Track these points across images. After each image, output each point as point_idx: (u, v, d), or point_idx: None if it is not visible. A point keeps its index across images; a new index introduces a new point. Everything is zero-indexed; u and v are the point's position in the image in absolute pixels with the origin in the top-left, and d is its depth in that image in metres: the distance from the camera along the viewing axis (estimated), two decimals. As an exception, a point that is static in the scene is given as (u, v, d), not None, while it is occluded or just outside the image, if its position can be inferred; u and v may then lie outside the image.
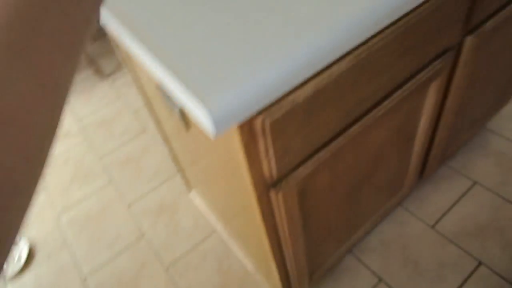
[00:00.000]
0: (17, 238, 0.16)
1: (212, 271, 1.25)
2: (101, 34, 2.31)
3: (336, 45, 0.50)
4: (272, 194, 0.63)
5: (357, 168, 0.81)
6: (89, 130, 1.83)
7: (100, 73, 2.07)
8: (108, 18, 0.61)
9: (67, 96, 0.18)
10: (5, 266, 0.15)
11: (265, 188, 0.62)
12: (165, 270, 1.28)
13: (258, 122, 0.50)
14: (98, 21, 0.21)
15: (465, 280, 1.09)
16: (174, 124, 0.89)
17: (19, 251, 1.40)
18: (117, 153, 1.70)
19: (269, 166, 0.57)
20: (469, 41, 0.81)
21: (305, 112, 0.55)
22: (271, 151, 0.55)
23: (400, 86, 0.74)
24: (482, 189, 1.28)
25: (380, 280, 1.13)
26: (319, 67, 0.50)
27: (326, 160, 0.68)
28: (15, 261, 1.38)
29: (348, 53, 0.56)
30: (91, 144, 1.76)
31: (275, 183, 0.62)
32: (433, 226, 1.22)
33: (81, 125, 1.86)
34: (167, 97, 0.68)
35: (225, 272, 1.23)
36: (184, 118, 0.72)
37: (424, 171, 1.18)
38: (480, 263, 1.11)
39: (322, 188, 0.74)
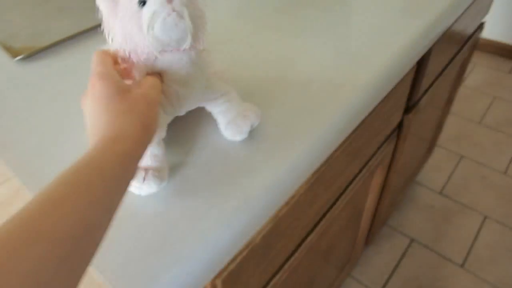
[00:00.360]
0: None
1: None
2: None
3: (300, 174, 0.41)
4: None
5: (310, 268, 0.72)
6: (-24, 212, 1.49)
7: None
8: None
9: None
10: None
11: None
12: None
13: (207, 285, 0.38)
14: None
15: None
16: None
17: None
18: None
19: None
20: (408, 118, 0.80)
21: (263, 248, 0.44)
22: (223, 309, 0.42)
23: (353, 179, 0.67)
24: (419, 246, 1.28)
25: None
26: (280, 203, 0.40)
27: (283, 280, 0.57)
28: None
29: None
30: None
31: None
32: (380, 293, 1.17)
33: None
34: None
35: None
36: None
37: (368, 239, 1.13)
38: (430, 331, 1.08)
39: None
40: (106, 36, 0.35)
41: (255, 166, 0.39)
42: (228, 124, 0.42)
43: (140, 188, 0.36)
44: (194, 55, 0.37)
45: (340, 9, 0.63)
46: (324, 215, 0.62)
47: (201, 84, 0.39)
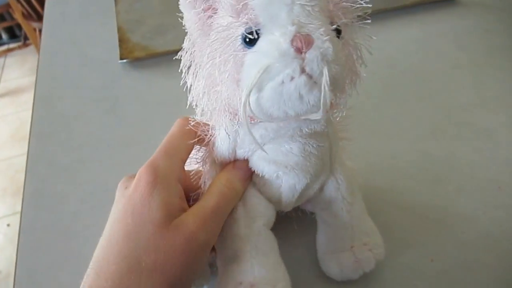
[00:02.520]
0: None
1: None
2: None
3: None
4: None
5: None
6: None
7: None
8: None
9: None
10: None
11: None
12: None
13: None
14: None
15: None
16: None
17: None
18: None
19: None
20: None
21: None
22: None
23: None
24: None
25: None
26: None
27: None
28: None
29: None
30: None
31: None
32: None
33: None
34: None
35: None
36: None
37: None
38: None
39: None
40: (185, 75, 0.24)
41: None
42: (330, 255, 0.30)
43: None
44: (322, 124, 0.24)
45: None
46: None
47: (323, 170, 0.27)
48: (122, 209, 0.22)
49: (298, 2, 0.19)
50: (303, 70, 0.18)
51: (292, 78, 0.18)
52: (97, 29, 0.59)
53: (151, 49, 0.53)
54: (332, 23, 0.20)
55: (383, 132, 0.41)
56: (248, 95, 0.19)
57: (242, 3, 0.20)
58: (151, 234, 0.21)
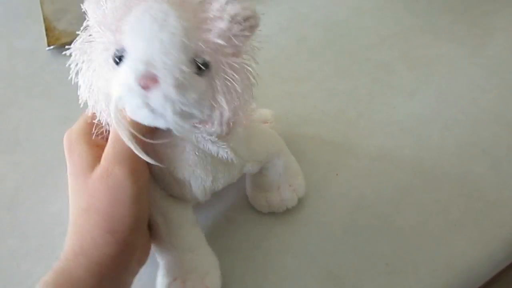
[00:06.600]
0: None
1: None
2: None
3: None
4: None
5: None
6: None
7: None
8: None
9: None
10: None
11: None
12: None
13: None
14: None
15: None
16: None
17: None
18: None
19: None
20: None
21: None
22: None
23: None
24: None
25: None
26: None
27: None
28: None
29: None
30: None
31: None
32: None
33: None
34: None
35: None
36: None
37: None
38: None
39: None
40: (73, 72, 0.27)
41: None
42: (259, 193, 0.34)
43: None
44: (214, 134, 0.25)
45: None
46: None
47: (233, 168, 0.29)
48: (68, 174, 0.27)
49: (161, 37, 0.19)
50: (147, 105, 0.20)
51: (139, 108, 0.20)
52: (22, 22, 0.60)
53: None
54: (196, 57, 0.21)
55: (294, 78, 0.45)
56: (115, 104, 0.21)
57: (115, 25, 0.21)
58: (81, 184, 0.25)
